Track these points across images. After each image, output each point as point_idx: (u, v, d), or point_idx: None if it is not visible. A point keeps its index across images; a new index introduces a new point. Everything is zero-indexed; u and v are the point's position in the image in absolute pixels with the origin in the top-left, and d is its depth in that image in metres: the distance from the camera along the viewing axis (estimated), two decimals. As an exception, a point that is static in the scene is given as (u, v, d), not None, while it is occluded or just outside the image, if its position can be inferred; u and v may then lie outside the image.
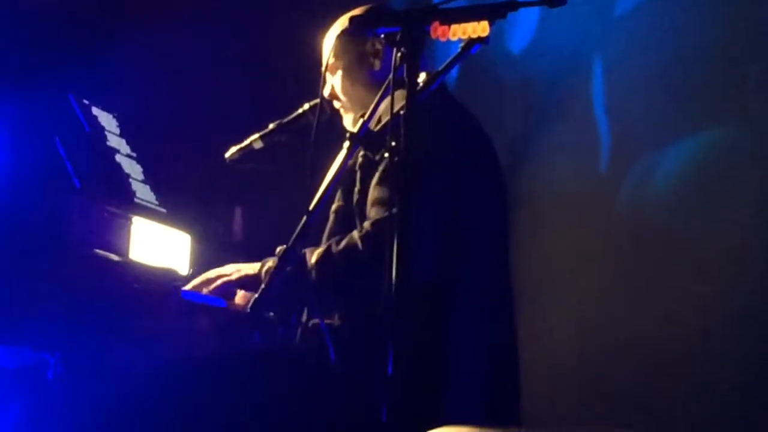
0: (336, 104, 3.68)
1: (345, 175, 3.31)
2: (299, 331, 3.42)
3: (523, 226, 4.74)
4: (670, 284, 4.36)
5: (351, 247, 3.22)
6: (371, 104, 3.46)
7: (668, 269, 4.39)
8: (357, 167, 3.32)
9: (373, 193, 3.27)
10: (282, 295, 3.30)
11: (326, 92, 3.67)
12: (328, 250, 3.27)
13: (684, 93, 4.44)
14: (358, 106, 3.60)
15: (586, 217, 4.69)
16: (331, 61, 3.62)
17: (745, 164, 4.23)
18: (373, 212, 3.25)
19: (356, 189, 3.34)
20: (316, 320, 3.37)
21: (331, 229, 3.43)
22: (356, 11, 3.63)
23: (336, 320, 3.35)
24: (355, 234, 3.24)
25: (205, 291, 3.55)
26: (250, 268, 3.52)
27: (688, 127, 4.42)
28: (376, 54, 3.57)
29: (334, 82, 3.64)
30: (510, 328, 3.41)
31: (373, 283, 2.56)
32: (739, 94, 4.29)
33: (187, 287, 3.55)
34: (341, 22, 3.64)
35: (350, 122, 3.65)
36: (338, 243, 3.27)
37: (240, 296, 3.63)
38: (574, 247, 4.71)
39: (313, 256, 3.29)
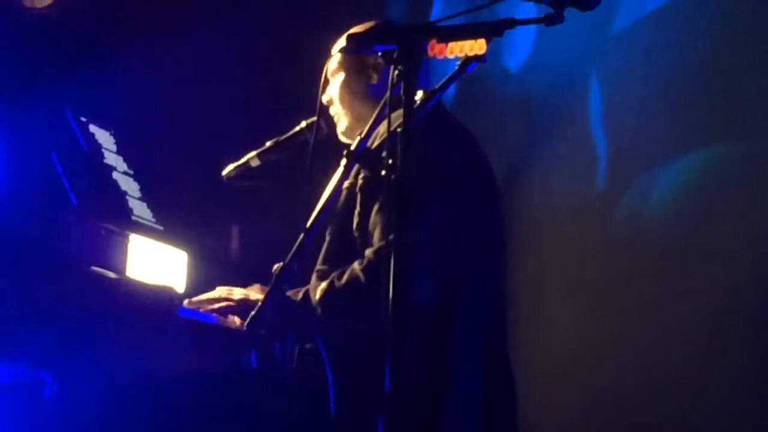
0: (332, 110, 3.69)
1: (344, 197, 3.31)
2: (296, 353, 3.41)
3: (521, 242, 4.74)
4: (667, 300, 4.36)
5: (354, 280, 3.20)
6: (365, 116, 3.48)
7: (666, 285, 4.38)
8: (358, 189, 3.30)
9: (375, 218, 3.25)
10: (285, 322, 3.29)
11: (325, 98, 3.68)
12: (331, 285, 3.25)
13: (681, 108, 4.44)
14: (352, 115, 3.61)
15: (584, 232, 4.69)
16: (335, 66, 3.64)
17: (743, 179, 4.23)
18: (375, 238, 3.23)
19: (356, 212, 3.32)
20: (311, 345, 3.36)
21: (327, 251, 3.40)
22: (359, 28, 3.64)
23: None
24: (357, 266, 3.21)
25: (207, 308, 3.54)
26: (256, 295, 3.52)
27: (685, 143, 4.42)
28: (376, 68, 3.58)
29: (332, 88, 3.65)
30: (505, 344, 3.41)
31: (380, 312, 2.55)
32: (737, 108, 4.30)
33: (191, 302, 3.54)
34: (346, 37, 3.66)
35: (343, 128, 3.65)
36: (340, 277, 3.24)
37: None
38: (572, 263, 4.70)
39: (317, 293, 3.27)
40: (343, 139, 3.65)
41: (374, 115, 2.93)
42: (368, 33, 3.46)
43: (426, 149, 2.72)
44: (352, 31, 3.63)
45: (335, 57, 3.66)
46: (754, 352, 4.09)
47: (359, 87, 3.60)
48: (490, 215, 3.42)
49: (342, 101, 3.61)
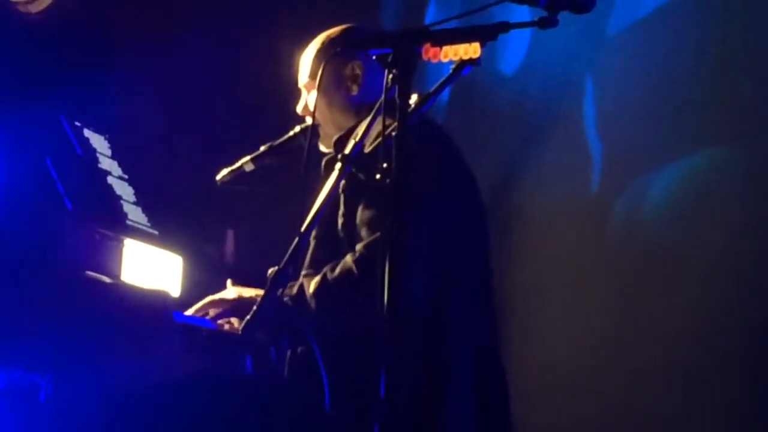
0: (309, 120, 3.67)
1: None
2: (289, 355, 3.40)
3: (516, 246, 4.74)
4: (663, 303, 4.36)
5: (346, 272, 3.21)
6: (345, 126, 3.47)
7: (662, 287, 4.38)
8: (341, 191, 3.31)
9: (362, 214, 3.25)
10: (279, 322, 3.29)
11: (300, 108, 3.67)
12: (324, 278, 3.25)
13: (676, 111, 4.44)
14: (332, 126, 3.59)
15: (579, 236, 4.69)
16: (307, 80, 3.62)
17: (739, 182, 4.23)
18: (364, 233, 3.24)
19: (341, 212, 3.32)
20: (305, 347, 3.36)
21: (313, 254, 3.40)
22: (335, 30, 3.63)
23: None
24: (349, 258, 3.23)
25: (211, 313, 3.53)
26: (252, 295, 3.50)
27: (680, 146, 4.43)
28: (354, 79, 3.55)
29: (308, 100, 3.63)
30: (497, 346, 3.41)
31: (372, 305, 2.55)
32: (732, 111, 4.30)
33: (190, 311, 3.53)
34: (319, 40, 3.64)
35: (325, 140, 3.64)
36: (333, 270, 3.25)
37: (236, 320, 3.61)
38: (567, 266, 4.70)
39: (310, 286, 3.27)
40: (322, 148, 3.63)
41: (369, 119, 2.93)
42: (362, 37, 3.47)
43: (417, 154, 2.71)
44: (327, 33, 3.64)
45: (305, 68, 3.63)
46: (751, 354, 4.10)
47: (339, 99, 3.57)
48: (477, 217, 3.43)
49: (320, 113, 3.58)
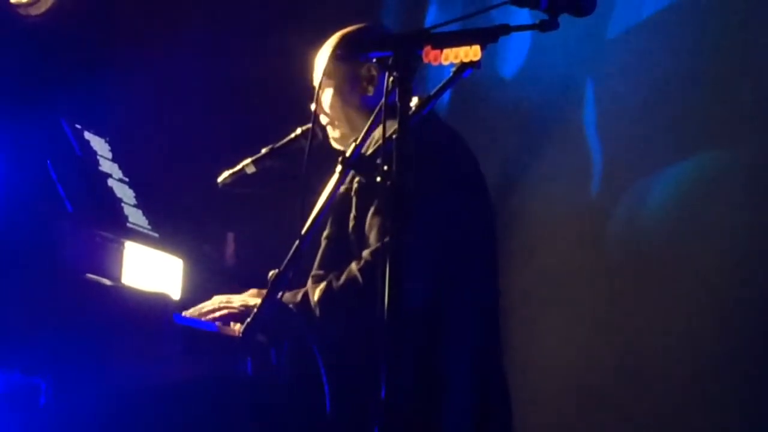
0: (323, 119, 3.68)
1: (339, 201, 3.31)
2: (290, 357, 3.40)
3: (516, 248, 4.74)
4: (662, 306, 4.37)
5: (351, 281, 3.21)
6: (360, 127, 3.47)
7: (661, 291, 4.39)
8: (353, 193, 3.31)
9: (371, 220, 3.25)
10: (281, 326, 3.29)
11: (314, 106, 3.67)
12: (329, 286, 3.26)
13: (676, 115, 4.45)
14: (346, 125, 3.60)
15: (578, 238, 4.70)
16: (323, 78, 3.61)
17: (738, 183, 4.24)
18: (372, 239, 3.24)
19: (352, 215, 3.32)
20: (305, 349, 3.35)
21: (323, 255, 3.41)
22: (350, 29, 3.63)
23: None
24: (354, 266, 3.23)
25: (207, 318, 3.53)
26: (255, 300, 3.50)
27: (680, 149, 4.43)
28: (370, 80, 3.56)
29: (323, 99, 3.64)
30: (498, 348, 3.40)
31: (378, 313, 2.56)
32: (732, 115, 4.31)
33: (191, 311, 3.53)
34: (335, 40, 3.64)
35: (338, 136, 3.64)
36: (338, 278, 3.25)
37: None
38: (567, 269, 4.71)
39: (315, 294, 3.27)
40: (335, 145, 3.64)
41: (369, 122, 2.93)
42: (363, 39, 3.47)
43: (423, 156, 2.71)
44: (342, 32, 3.64)
45: (321, 66, 3.63)
46: (751, 354, 4.10)
47: (354, 99, 3.58)
48: (483, 219, 3.42)
49: (334, 112, 3.59)
